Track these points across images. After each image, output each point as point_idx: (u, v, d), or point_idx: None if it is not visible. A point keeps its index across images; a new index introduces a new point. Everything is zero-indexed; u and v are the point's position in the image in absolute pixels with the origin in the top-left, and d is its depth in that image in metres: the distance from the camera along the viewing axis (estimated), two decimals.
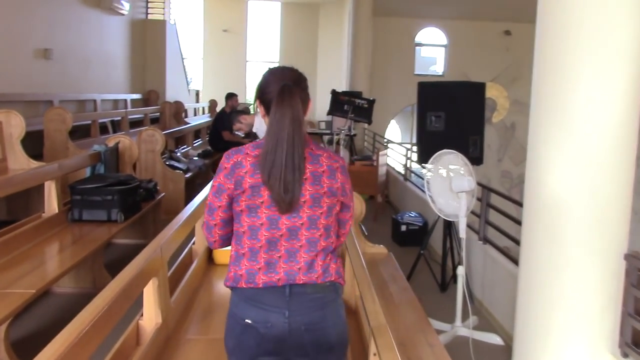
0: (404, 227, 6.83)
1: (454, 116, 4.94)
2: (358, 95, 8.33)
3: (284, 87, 1.83)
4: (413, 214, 7.03)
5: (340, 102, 7.53)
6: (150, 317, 2.65)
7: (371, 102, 7.60)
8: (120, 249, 5.02)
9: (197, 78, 18.58)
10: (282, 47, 18.24)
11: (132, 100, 11.61)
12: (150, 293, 2.61)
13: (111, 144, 5.26)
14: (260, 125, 4.88)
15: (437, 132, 4.98)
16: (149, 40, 12.93)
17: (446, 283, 5.31)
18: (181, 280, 3.36)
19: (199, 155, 8.20)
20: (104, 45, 10.55)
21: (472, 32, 17.13)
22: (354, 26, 14.49)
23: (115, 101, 11.11)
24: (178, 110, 11.86)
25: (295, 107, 1.81)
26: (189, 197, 5.00)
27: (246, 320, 1.83)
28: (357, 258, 3.00)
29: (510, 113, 17.86)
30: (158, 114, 11.27)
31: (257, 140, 1.95)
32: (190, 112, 14.65)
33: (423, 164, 5.20)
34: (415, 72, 17.62)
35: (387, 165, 9.75)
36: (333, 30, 17.63)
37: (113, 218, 4.31)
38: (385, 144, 11.43)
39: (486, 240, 5.05)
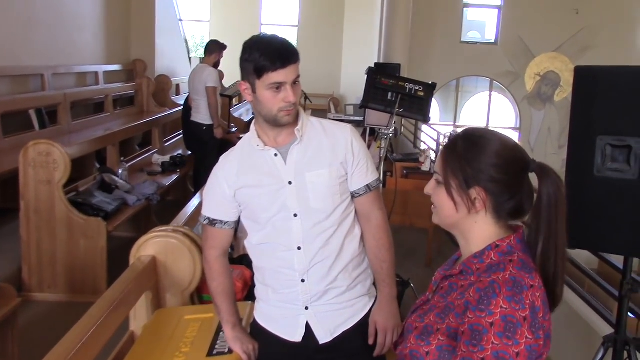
0: None
1: None
2: (406, 77, 5.39)
3: (543, 166, 1.35)
4: None
5: (382, 88, 4.66)
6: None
7: (430, 88, 4.75)
8: None
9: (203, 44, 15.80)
10: (302, 9, 15.31)
11: (107, 73, 8.87)
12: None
13: None
14: None
15: (619, 180, 2.20)
16: None
17: None
18: None
19: (164, 166, 5.44)
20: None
21: None
22: None
23: (81, 75, 8.38)
24: (163, 87, 9.15)
25: None
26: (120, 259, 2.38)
27: None
28: None
29: None
30: (133, 92, 8.52)
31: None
32: (186, 88, 11.91)
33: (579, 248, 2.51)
34: (462, 39, 14.68)
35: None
36: None
37: None
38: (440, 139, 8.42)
39: None
